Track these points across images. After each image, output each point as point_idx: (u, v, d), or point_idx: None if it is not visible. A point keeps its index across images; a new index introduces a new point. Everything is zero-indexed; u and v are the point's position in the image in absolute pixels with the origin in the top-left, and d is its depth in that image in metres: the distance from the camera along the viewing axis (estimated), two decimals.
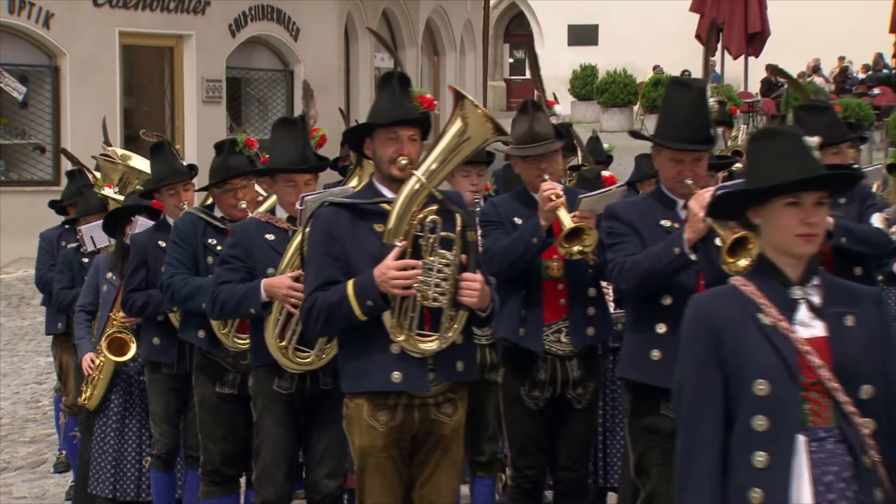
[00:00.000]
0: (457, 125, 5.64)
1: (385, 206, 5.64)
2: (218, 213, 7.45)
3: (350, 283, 5.53)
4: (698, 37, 32.84)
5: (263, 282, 6.53)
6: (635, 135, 6.76)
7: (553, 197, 6.45)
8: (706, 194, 5.72)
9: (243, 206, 7.23)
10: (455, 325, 5.62)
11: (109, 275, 8.57)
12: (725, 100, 14.54)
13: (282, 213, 6.78)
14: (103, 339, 8.54)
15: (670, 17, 36.93)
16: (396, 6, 24.37)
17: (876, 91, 31.22)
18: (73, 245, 9.91)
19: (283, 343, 6.53)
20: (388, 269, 5.48)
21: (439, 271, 5.57)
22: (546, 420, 6.80)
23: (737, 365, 4.07)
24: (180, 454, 8.11)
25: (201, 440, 7.43)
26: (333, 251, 5.64)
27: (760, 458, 4.03)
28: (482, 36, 27.61)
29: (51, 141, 19.33)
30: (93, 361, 8.69)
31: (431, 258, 5.57)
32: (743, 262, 5.70)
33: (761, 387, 4.04)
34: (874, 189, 8.44)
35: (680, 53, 36.62)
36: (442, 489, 5.74)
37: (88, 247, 9.34)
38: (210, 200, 7.71)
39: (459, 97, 5.68)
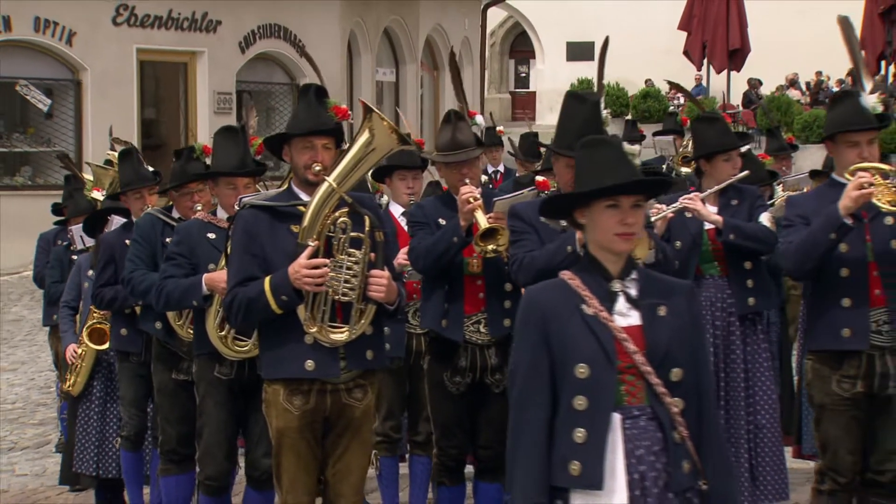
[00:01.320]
0: (364, 136, 5.70)
1: (301, 208, 5.69)
2: (176, 214, 7.51)
3: (267, 280, 5.59)
4: (685, 53, 32.92)
5: (205, 276, 6.60)
6: (538, 143, 6.82)
7: (471, 199, 6.49)
8: None
9: (199, 208, 7.27)
10: (364, 318, 5.67)
11: (90, 272, 8.63)
12: (676, 111, 14.56)
13: (223, 214, 6.84)
14: (85, 329, 8.62)
15: (660, 35, 36.90)
16: (397, 24, 24.40)
17: None
18: (65, 243, 10.00)
19: (223, 333, 6.59)
20: (301, 267, 5.54)
21: (349, 268, 5.63)
22: (467, 403, 6.85)
23: (562, 351, 4.14)
24: (148, 435, 8.17)
25: (160, 422, 7.48)
26: (253, 249, 5.70)
27: (580, 433, 4.10)
28: (479, 52, 27.60)
29: (73, 149, 19.37)
30: (76, 351, 8.79)
31: (342, 256, 5.63)
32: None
33: (582, 370, 4.11)
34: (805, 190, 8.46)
35: (669, 68, 36.57)
36: (353, 467, 5.78)
37: (78, 245, 9.42)
38: (170, 202, 7.77)
39: (368, 110, 5.75)
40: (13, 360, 14.53)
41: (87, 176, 10.24)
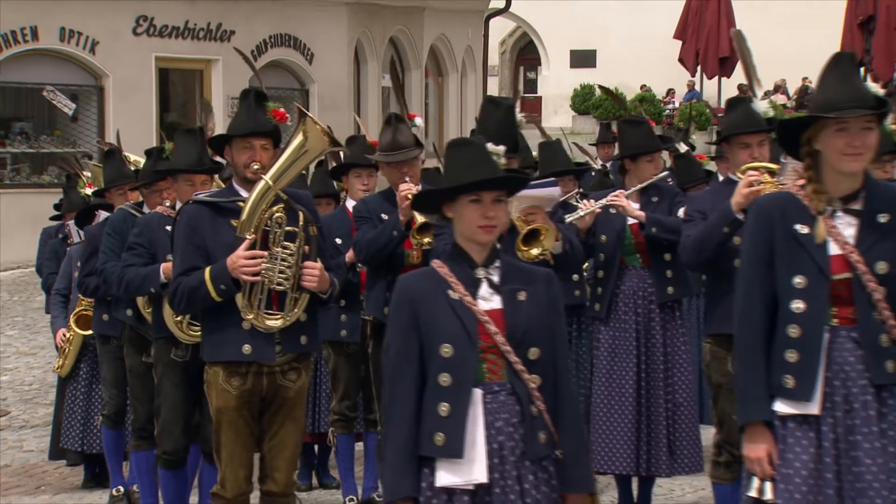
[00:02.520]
0: (298, 138, 5.76)
1: (241, 203, 5.75)
2: (146, 209, 7.58)
3: (207, 270, 5.66)
4: (680, 60, 32.88)
5: (162, 266, 6.66)
6: None
7: (409, 196, 6.53)
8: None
9: (167, 203, 7.34)
10: (298, 306, 5.72)
11: (80, 263, 8.71)
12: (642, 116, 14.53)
13: None
14: (72, 316, 8.71)
15: (657, 44, 36.85)
16: (402, 34, 24.40)
17: None
18: (62, 237, 10.07)
19: (179, 318, 6.63)
20: (239, 258, 5.61)
21: (283, 260, 5.68)
22: None
23: (429, 332, 4.19)
24: (128, 414, 8.24)
25: (131, 402, 7.57)
26: (196, 242, 5.76)
27: (444, 407, 4.15)
28: (482, 60, 27.60)
29: (96, 150, 19.49)
30: (64, 335, 8.87)
31: (277, 249, 5.68)
32: (535, 251, 5.80)
33: (446, 350, 4.16)
34: None
35: (665, 74, 36.64)
36: (287, 443, 5.84)
37: (75, 238, 9.46)
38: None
39: (302, 115, 5.82)
40: (34, 344, 14.63)
41: (88, 173, 10.34)
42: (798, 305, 4.19)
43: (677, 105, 36.62)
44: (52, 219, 10.79)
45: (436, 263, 4.30)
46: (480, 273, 4.27)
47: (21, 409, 11.97)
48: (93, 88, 20.10)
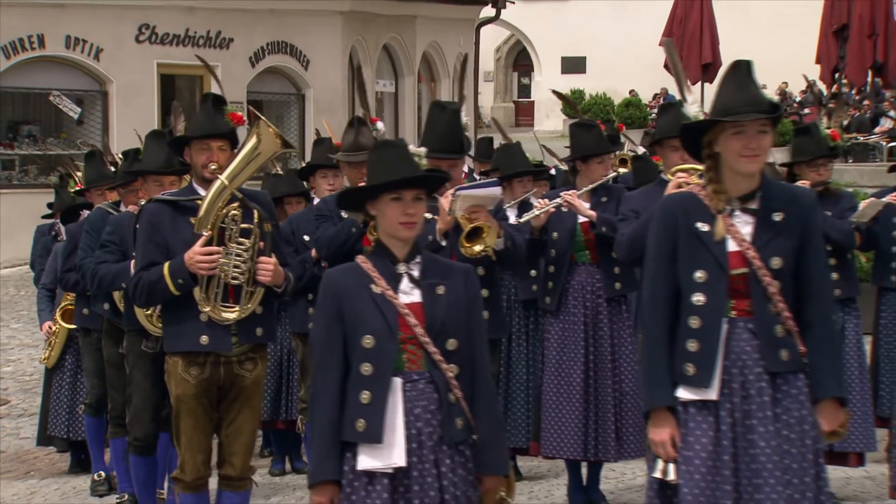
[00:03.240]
0: (252, 140, 5.80)
1: (199, 202, 5.79)
2: (124, 209, 7.64)
3: (166, 265, 5.71)
4: (665, 66, 32.86)
5: (132, 262, 6.71)
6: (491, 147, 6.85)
7: None
8: (449, 193, 5.87)
9: (142, 203, 7.37)
10: (253, 299, 5.77)
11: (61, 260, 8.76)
12: (614, 119, 14.64)
13: None
14: (58, 310, 8.76)
15: (643, 51, 36.83)
16: (395, 41, 24.43)
17: (806, 111, 31.11)
18: (53, 234, 10.13)
19: (149, 312, 6.67)
20: (195, 254, 5.66)
21: (238, 255, 5.73)
22: None
23: (353, 324, 4.24)
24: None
25: (108, 391, 7.60)
26: (156, 239, 5.82)
27: (365, 395, 4.21)
28: (473, 67, 27.60)
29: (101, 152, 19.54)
30: (50, 328, 8.93)
31: (232, 245, 5.73)
32: (477, 248, 5.85)
33: (368, 341, 4.22)
34: None
35: (652, 79, 36.62)
36: (244, 429, 5.89)
37: (63, 236, 9.53)
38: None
39: (255, 118, 5.87)
40: (37, 337, 14.58)
41: (80, 174, 10.40)
42: (699, 298, 4.26)
43: None
44: (45, 217, 10.85)
45: (360, 259, 4.36)
46: (402, 268, 4.32)
47: (21, 398, 12.03)
48: (97, 93, 20.21)
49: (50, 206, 10.83)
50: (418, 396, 4.24)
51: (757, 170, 4.25)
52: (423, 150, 4.33)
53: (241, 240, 5.74)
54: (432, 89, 26.41)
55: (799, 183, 7.34)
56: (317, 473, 4.26)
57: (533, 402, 7.62)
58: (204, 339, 5.74)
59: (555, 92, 8.61)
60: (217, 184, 5.74)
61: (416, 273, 4.33)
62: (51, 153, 19.97)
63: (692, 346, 4.24)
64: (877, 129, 27.86)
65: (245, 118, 6.13)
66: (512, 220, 7.23)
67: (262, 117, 5.85)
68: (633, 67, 38.50)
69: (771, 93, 34.96)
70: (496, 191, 6.02)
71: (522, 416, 7.89)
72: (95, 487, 8.37)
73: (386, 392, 4.20)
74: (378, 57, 23.76)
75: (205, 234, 5.72)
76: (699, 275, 4.25)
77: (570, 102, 8.80)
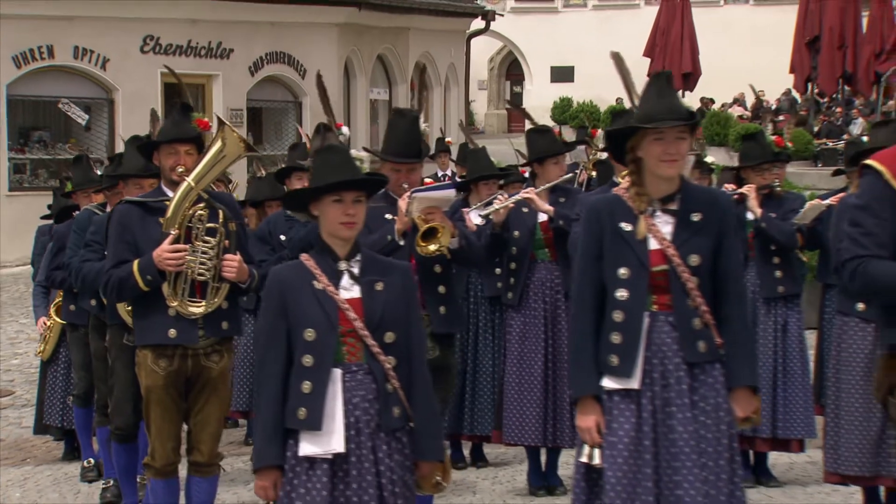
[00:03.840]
0: (217, 144, 5.83)
1: (167, 203, 5.82)
2: (109, 210, 7.63)
3: (135, 262, 5.74)
4: (649, 76, 32.84)
5: None
6: (367, 150, 6.91)
7: None
8: (406, 196, 5.87)
9: None
10: (219, 295, 5.79)
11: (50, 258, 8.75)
12: (586, 124, 14.62)
13: None
14: (52, 306, 8.77)
15: (629, 61, 36.09)
16: (389, 51, 24.45)
17: (780, 117, 31.16)
18: (50, 234, 10.12)
19: (129, 307, 6.67)
20: (163, 251, 5.69)
21: (204, 253, 5.76)
22: None
23: (295, 318, 4.26)
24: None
25: (95, 383, 7.59)
26: (126, 238, 5.85)
27: (306, 385, 4.22)
28: (464, 76, 27.63)
29: (107, 157, 19.57)
30: (45, 323, 8.93)
31: (199, 243, 5.76)
32: (433, 247, 5.86)
33: (309, 334, 4.23)
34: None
35: (637, 88, 36.41)
36: (211, 419, 5.91)
37: None
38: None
39: (221, 123, 5.88)
40: None
41: None
42: (622, 294, 4.27)
43: None
44: (43, 218, 10.86)
45: (304, 257, 4.38)
46: (342, 266, 4.34)
47: (26, 388, 12.02)
48: (104, 101, 20.24)
49: (49, 207, 10.84)
50: (357, 386, 4.25)
51: (675, 173, 4.27)
52: (364, 154, 4.33)
53: (206, 238, 5.77)
54: (424, 97, 26.42)
55: (745, 186, 7.37)
56: (260, 459, 4.27)
57: (497, 393, 7.63)
58: (172, 332, 5.75)
59: (509, 101, 8.64)
60: (184, 185, 5.77)
61: (356, 270, 4.34)
62: (60, 158, 19.98)
63: (616, 338, 4.26)
64: (844, 136, 27.86)
65: (210, 124, 6.12)
66: (478, 220, 7.25)
67: (227, 122, 5.87)
68: (618, 77, 38.31)
69: (749, 101, 34.97)
70: (450, 193, 6.02)
71: (489, 406, 7.91)
72: (85, 473, 8.38)
73: (326, 382, 4.21)
74: (372, 66, 23.77)
75: (172, 232, 5.74)
76: (622, 271, 4.27)
77: (527, 114, 8.89)
